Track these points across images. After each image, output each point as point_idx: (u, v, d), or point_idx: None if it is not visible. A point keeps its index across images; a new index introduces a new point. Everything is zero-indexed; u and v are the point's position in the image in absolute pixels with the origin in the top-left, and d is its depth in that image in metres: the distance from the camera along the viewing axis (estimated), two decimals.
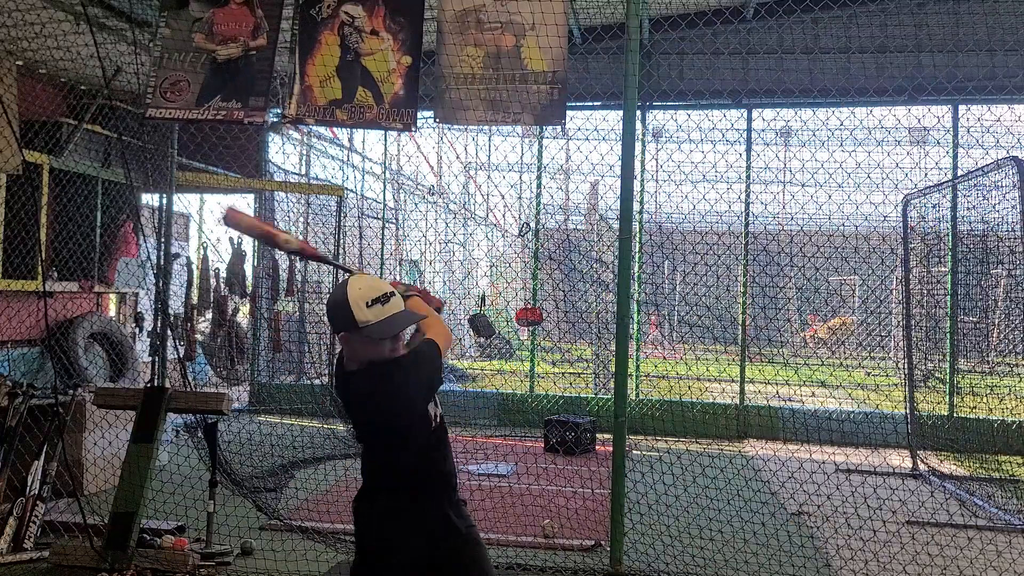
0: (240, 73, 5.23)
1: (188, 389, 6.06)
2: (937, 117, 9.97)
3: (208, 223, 12.91)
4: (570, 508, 6.26)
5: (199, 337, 9.06)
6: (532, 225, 11.00)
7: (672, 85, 9.60)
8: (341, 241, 10.33)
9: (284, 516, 5.96)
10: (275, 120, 10.25)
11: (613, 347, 5.67)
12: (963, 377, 9.41)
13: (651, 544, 5.37)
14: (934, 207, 8.83)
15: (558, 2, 5.13)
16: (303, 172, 12.40)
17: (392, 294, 2.78)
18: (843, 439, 8.63)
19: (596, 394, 11.17)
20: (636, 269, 10.11)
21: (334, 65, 5.20)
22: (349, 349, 2.82)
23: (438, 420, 2.91)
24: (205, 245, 9.37)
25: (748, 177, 10.17)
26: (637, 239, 10.00)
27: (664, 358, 16.87)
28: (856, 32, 9.32)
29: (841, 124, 11.21)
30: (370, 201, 13.48)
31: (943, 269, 9.20)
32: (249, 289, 8.64)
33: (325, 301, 3.46)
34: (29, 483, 5.28)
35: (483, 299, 12.65)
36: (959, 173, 9.26)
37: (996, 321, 11.44)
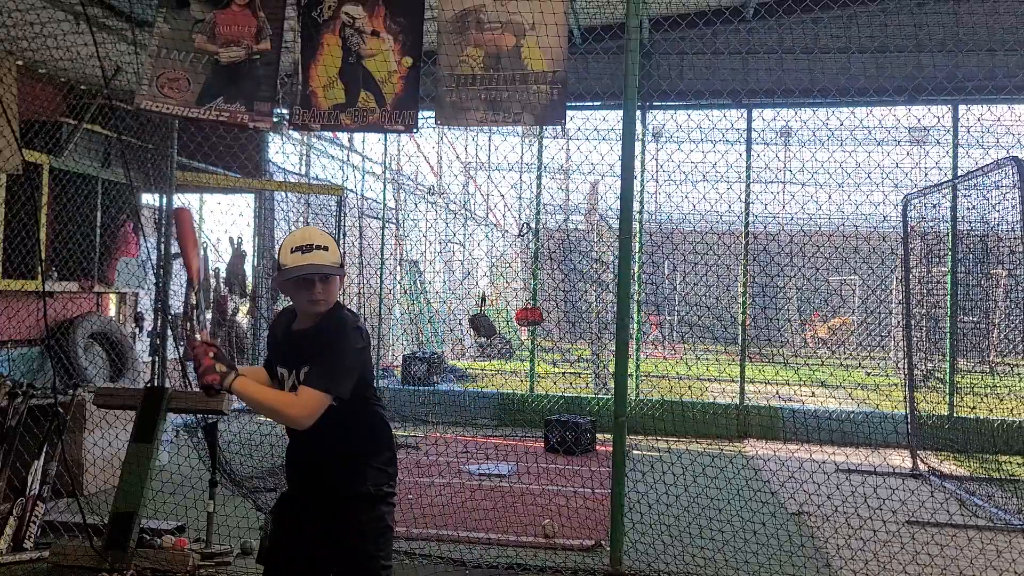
0: (244, 76, 5.23)
1: (188, 389, 6.06)
2: (937, 117, 9.97)
3: (208, 223, 12.90)
4: (570, 508, 6.26)
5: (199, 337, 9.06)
6: (532, 225, 11.00)
7: (672, 85, 9.60)
8: (341, 241, 10.32)
9: None
10: (276, 120, 10.23)
11: (613, 347, 5.67)
12: (963, 377, 9.41)
13: (651, 544, 5.37)
14: (934, 207, 8.83)
15: (558, 2, 5.12)
16: (303, 172, 12.40)
17: (317, 247, 2.89)
18: (843, 439, 8.63)
19: (596, 394, 11.16)
20: (636, 269, 10.11)
21: (336, 69, 5.20)
22: (282, 292, 3.04)
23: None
24: (205, 245, 9.37)
25: (748, 177, 10.17)
26: (637, 239, 10.00)
27: (665, 358, 16.87)
28: (856, 32, 9.31)
29: (841, 124, 11.24)
30: (370, 201, 13.48)
31: (943, 269, 9.20)
32: (249, 289, 8.64)
33: None
34: (29, 483, 5.28)
35: (483, 299, 12.66)
36: (959, 173, 9.26)
37: (996, 321, 11.43)
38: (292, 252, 2.88)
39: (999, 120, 10.26)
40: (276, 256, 2.99)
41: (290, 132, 11.71)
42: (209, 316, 9.25)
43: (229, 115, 5.19)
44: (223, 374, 2.85)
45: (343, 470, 2.98)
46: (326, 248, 2.91)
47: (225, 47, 5.24)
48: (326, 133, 12.80)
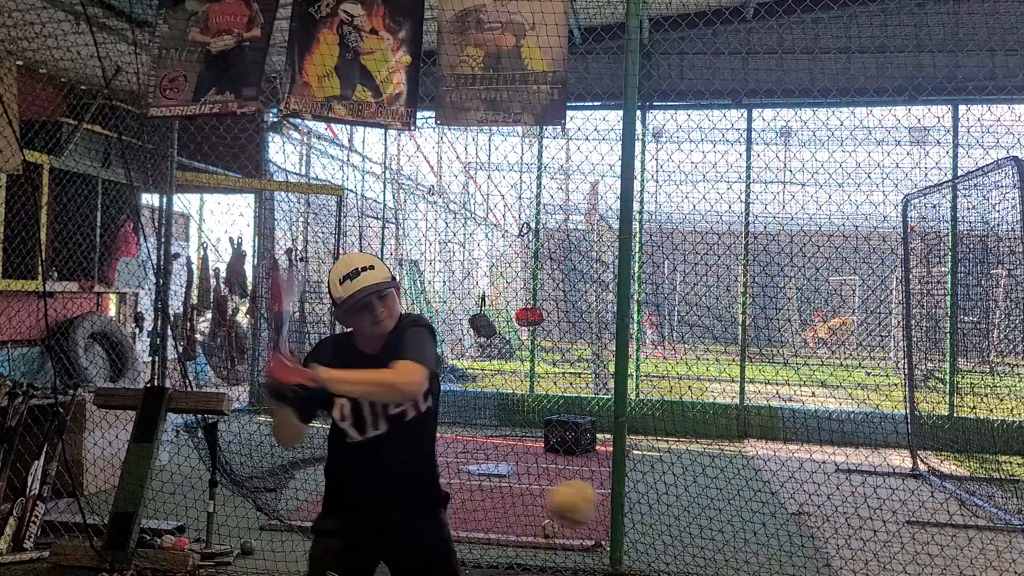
0: (234, 65, 5.20)
1: (188, 389, 6.06)
2: (937, 117, 9.97)
3: (208, 223, 12.91)
4: None
5: (199, 337, 9.06)
6: (532, 225, 11.00)
7: (672, 85, 9.59)
8: (341, 241, 10.32)
9: (284, 516, 5.96)
10: (275, 120, 10.25)
11: (613, 347, 5.67)
12: (963, 377, 9.40)
13: (651, 544, 5.37)
14: (934, 207, 8.83)
15: (558, 2, 5.12)
16: (303, 172, 12.40)
17: (363, 269, 2.81)
18: (843, 439, 8.63)
19: (596, 394, 11.16)
20: (636, 269, 10.11)
21: (332, 63, 5.18)
22: (347, 325, 2.92)
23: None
24: (205, 245, 9.37)
25: (748, 177, 10.17)
26: (637, 239, 9.99)
27: (664, 358, 16.86)
28: (856, 32, 9.31)
29: (841, 124, 11.23)
30: (370, 201, 13.48)
31: (943, 269, 9.19)
32: (249, 289, 8.63)
33: (324, 300, 3.46)
34: (29, 483, 5.28)
35: (483, 299, 12.66)
36: (959, 173, 9.26)
37: (996, 321, 11.43)
38: (341, 283, 2.78)
39: (999, 120, 10.26)
40: (327, 292, 2.87)
41: (290, 132, 11.71)
42: (209, 316, 9.24)
43: (220, 106, 5.18)
44: (311, 370, 2.56)
45: (423, 473, 2.91)
46: (372, 268, 2.82)
47: (216, 36, 5.22)
48: (326, 133, 12.79)
